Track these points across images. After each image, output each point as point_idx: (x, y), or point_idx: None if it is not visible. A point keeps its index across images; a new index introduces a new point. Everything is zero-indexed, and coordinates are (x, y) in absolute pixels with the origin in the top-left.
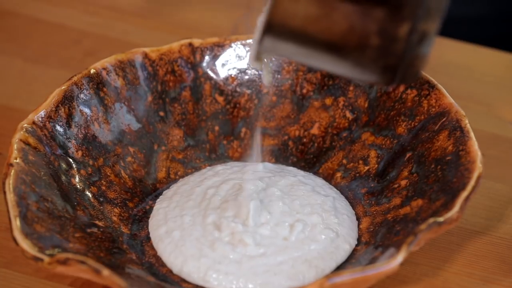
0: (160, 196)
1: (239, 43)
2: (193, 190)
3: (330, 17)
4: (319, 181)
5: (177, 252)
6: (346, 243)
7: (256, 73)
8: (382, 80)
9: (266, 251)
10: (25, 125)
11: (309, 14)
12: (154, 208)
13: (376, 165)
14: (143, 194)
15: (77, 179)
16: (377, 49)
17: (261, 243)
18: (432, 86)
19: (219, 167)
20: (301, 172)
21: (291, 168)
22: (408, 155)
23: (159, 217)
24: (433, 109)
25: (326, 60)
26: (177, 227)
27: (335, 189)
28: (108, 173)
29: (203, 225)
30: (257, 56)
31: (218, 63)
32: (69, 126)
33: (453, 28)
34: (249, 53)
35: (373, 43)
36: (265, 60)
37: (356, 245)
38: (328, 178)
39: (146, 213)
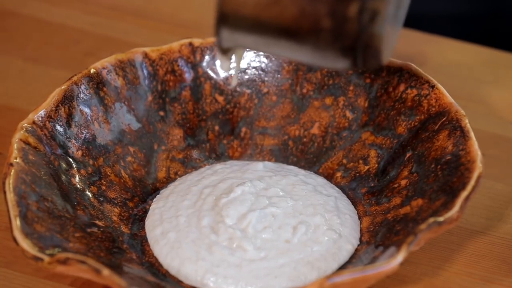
0: (157, 196)
1: None
2: (189, 189)
3: (280, 2)
4: (320, 180)
5: (173, 254)
6: (348, 244)
7: (256, 72)
8: (345, 64)
9: (267, 254)
10: (25, 124)
11: (259, 0)
12: (150, 208)
13: (376, 165)
14: (143, 194)
15: (77, 179)
16: (331, 31)
17: (262, 247)
18: (432, 86)
19: (218, 166)
20: (302, 171)
21: (291, 167)
22: (408, 154)
23: (155, 218)
24: (433, 109)
25: (286, 47)
26: (173, 228)
27: (336, 188)
28: (108, 173)
29: (199, 227)
30: (222, 51)
31: (218, 63)
32: (69, 126)
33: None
34: (249, 51)
35: (325, 25)
36: (234, 57)
37: (357, 245)
38: (328, 177)
39: (146, 213)
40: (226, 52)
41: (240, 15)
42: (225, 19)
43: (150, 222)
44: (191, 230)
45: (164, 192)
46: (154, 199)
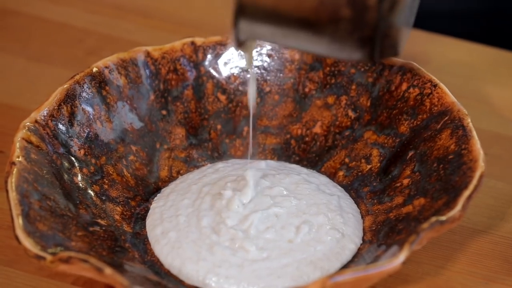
0: (158, 195)
1: None
2: (189, 188)
3: None
4: (323, 179)
5: (174, 254)
6: (351, 243)
7: (259, 71)
8: (362, 55)
9: (269, 254)
10: (28, 123)
11: None
12: (151, 207)
13: (379, 164)
14: (145, 193)
15: (79, 178)
16: (350, 21)
17: (264, 247)
18: (434, 85)
19: (220, 165)
20: (305, 170)
21: (293, 166)
22: (410, 154)
23: (155, 217)
24: (436, 108)
25: (304, 38)
26: (173, 227)
27: (339, 187)
28: (111, 172)
29: (199, 228)
30: (238, 42)
31: (221, 61)
32: (72, 125)
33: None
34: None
35: (345, 14)
36: (250, 44)
37: (360, 244)
38: (331, 177)
39: (148, 212)
40: (241, 45)
41: (258, 5)
42: (244, 9)
43: (151, 221)
44: (191, 230)
45: (164, 191)
46: (155, 198)
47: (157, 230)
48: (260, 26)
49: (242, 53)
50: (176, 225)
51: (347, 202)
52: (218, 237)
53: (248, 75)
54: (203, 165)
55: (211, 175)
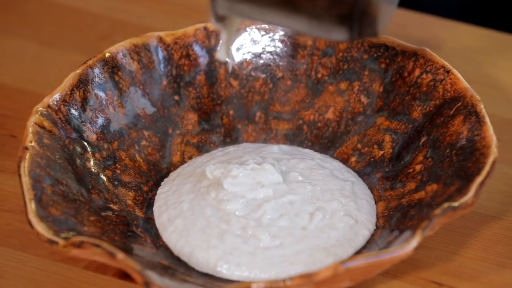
0: (165, 179)
1: (254, 27)
2: (194, 171)
3: None
4: (336, 164)
5: (183, 241)
6: (365, 229)
7: (271, 57)
8: (341, 33)
9: (282, 242)
10: (40, 108)
11: None
12: (157, 192)
13: (391, 150)
14: (157, 178)
15: (91, 163)
16: None
17: (277, 235)
18: (447, 71)
19: (231, 148)
20: (318, 155)
21: (307, 151)
22: (423, 139)
23: (160, 203)
24: (448, 94)
25: (282, 15)
26: (178, 215)
27: (352, 172)
28: (123, 157)
29: (205, 217)
30: (217, 17)
31: (233, 47)
32: (84, 110)
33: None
34: (264, 36)
35: None
36: (231, 23)
37: (374, 230)
38: (343, 162)
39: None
40: (220, 20)
41: None
42: None
43: (157, 208)
44: (197, 218)
45: (172, 175)
46: (162, 183)
47: (163, 217)
48: (238, 2)
49: (221, 31)
50: (180, 212)
51: (361, 187)
52: (228, 226)
53: (261, 61)
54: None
55: (220, 158)
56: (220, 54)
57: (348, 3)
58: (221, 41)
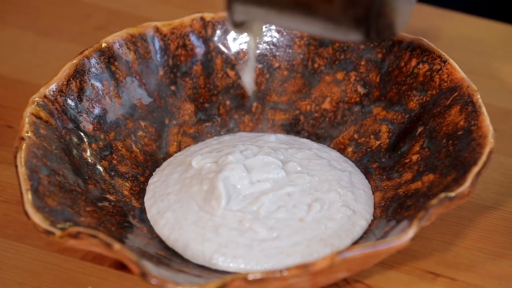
0: (156, 169)
1: None
2: (185, 160)
3: None
4: (334, 154)
5: (176, 234)
6: (362, 219)
7: (268, 47)
8: (358, 34)
9: (280, 233)
10: (37, 98)
11: None
12: (149, 182)
13: (388, 140)
14: (154, 169)
15: (88, 153)
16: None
17: (274, 227)
18: (444, 61)
19: (226, 137)
20: (315, 145)
21: (304, 140)
22: (419, 130)
23: (149, 195)
24: (445, 84)
25: (299, 18)
26: (167, 207)
27: (350, 162)
28: (119, 147)
29: (195, 211)
30: (234, 24)
31: (230, 37)
32: (81, 100)
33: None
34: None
35: None
36: (255, 29)
37: (371, 220)
38: (340, 153)
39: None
40: (239, 26)
41: None
42: None
43: (147, 199)
44: (187, 212)
45: (163, 164)
46: (154, 173)
47: (153, 209)
48: (255, 7)
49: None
50: (168, 205)
51: (358, 177)
52: (223, 220)
53: (258, 51)
54: None
55: (213, 147)
56: (246, 79)
57: (364, 5)
58: (249, 38)
